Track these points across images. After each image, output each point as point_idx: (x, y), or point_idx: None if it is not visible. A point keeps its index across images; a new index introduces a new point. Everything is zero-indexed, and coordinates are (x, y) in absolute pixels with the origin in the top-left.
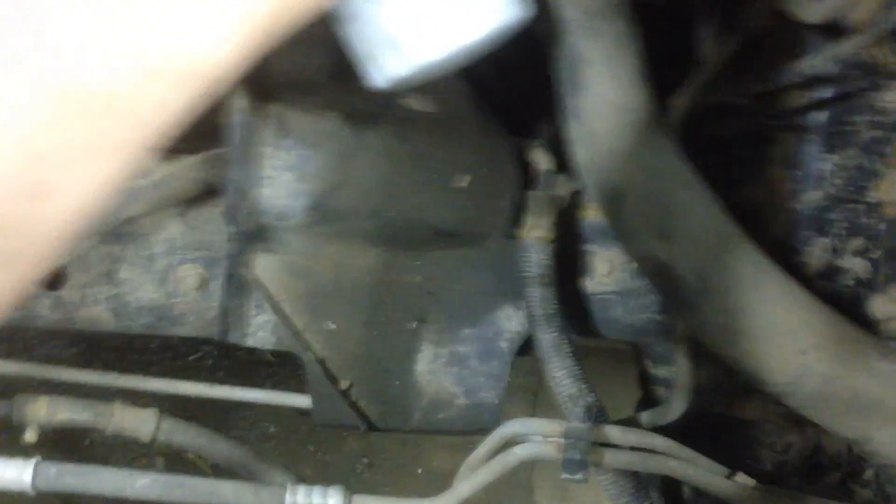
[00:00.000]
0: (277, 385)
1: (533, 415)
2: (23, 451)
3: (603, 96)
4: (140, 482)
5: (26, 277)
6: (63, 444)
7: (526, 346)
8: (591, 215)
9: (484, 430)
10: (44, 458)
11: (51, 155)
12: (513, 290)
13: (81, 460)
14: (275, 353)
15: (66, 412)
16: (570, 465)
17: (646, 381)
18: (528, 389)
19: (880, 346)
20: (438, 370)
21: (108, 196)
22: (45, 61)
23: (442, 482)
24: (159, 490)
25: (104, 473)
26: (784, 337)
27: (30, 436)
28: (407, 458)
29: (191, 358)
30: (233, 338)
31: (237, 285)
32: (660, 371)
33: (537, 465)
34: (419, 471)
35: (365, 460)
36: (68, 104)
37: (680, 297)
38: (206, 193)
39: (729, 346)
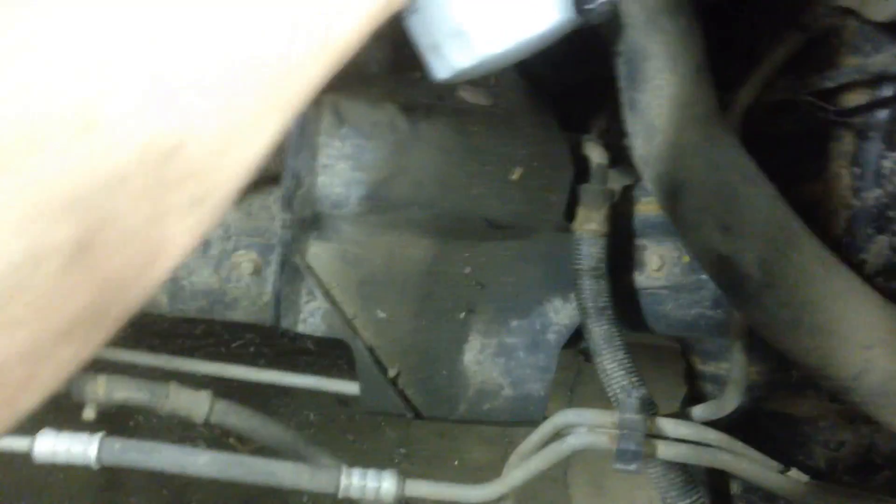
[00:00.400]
0: (318, 374)
1: None
2: (76, 429)
3: (663, 91)
4: (201, 460)
5: (207, 221)
6: (109, 425)
7: (568, 341)
8: (643, 210)
9: (529, 422)
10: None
11: (238, 112)
12: (562, 283)
13: None
14: (316, 343)
15: (123, 391)
16: (624, 455)
17: (692, 377)
18: (564, 385)
19: None
20: (486, 361)
21: (268, 153)
22: (241, 39)
23: (478, 475)
24: (219, 468)
25: (166, 450)
26: (848, 332)
27: (88, 413)
28: (444, 450)
29: (233, 345)
30: (284, 324)
31: (290, 272)
32: (708, 367)
33: (573, 460)
34: (455, 463)
35: (402, 450)
36: (258, 71)
37: (742, 291)
38: (263, 181)
39: (792, 340)
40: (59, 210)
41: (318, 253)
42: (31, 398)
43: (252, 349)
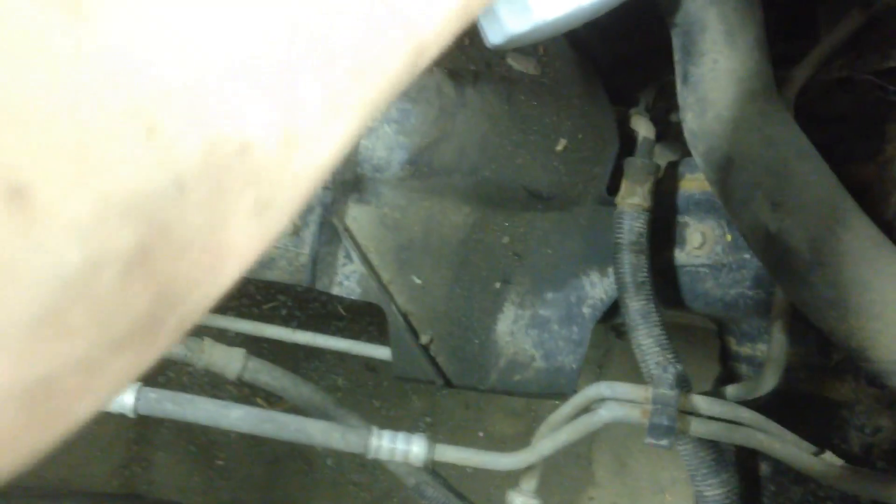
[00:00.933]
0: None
1: None
2: None
3: (719, 64)
4: (234, 414)
5: (274, 227)
6: (140, 379)
7: (602, 316)
8: (688, 186)
9: (560, 395)
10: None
11: (307, 112)
12: (600, 257)
13: None
14: (347, 308)
15: None
16: (656, 430)
17: (726, 358)
18: (593, 362)
19: None
20: (519, 332)
21: (341, 155)
22: (319, 24)
23: (504, 447)
24: (252, 423)
25: (201, 403)
26: (895, 314)
27: None
28: (469, 421)
29: (266, 307)
30: (320, 285)
31: (328, 234)
32: (744, 349)
33: (598, 437)
34: (480, 434)
35: (428, 419)
36: (328, 67)
37: (789, 269)
38: None
39: (836, 320)
40: (121, 215)
41: (356, 216)
42: (86, 409)
43: (284, 312)
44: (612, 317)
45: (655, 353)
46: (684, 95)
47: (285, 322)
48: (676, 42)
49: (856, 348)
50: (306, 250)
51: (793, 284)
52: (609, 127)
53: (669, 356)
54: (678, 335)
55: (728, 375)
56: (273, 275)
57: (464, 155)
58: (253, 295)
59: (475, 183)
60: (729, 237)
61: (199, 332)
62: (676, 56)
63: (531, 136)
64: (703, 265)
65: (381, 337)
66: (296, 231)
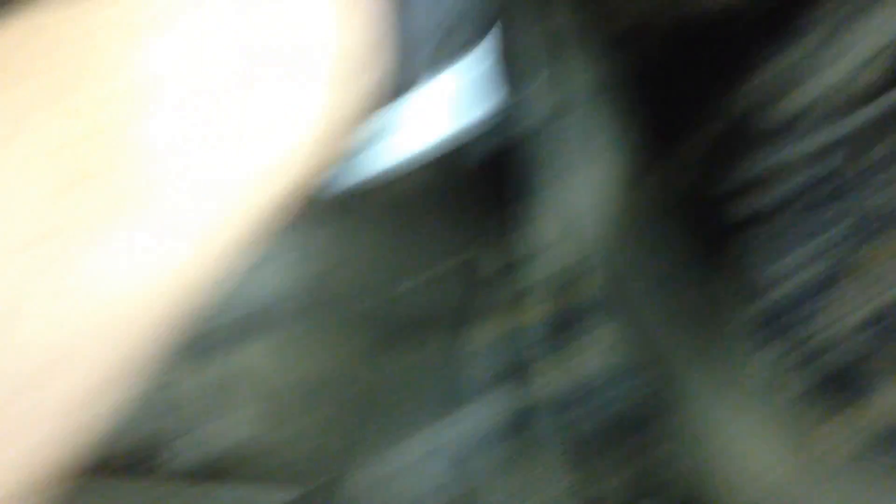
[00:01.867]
0: None
1: None
2: None
3: (577, 189)
4: None
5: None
6: None
7: None
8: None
9: None
10: None
11: None
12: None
13: None
14: None
15: None
16: None
17: None
18: None
19: None
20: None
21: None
22: None
23: None
24: None
25: None
26: None
27: None
28: None
29: None
30: None
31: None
32: None
33: None
34: None
35: None
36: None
37: None
38: None
39: None
40: None
41: (253, 352)
42: None
43: None
44: None
45: None
46: (545, 220)
47: None
48: (535, 167)
49: None
50: None
51: None
52: (490, 244)
53: None
54: None
55: None
56: None
57: (359, 282)
58: None
59: (374, 309)
60: None
61: None
62: (533, 182)
63: (422, 256)
64: None
65: None
66: None
